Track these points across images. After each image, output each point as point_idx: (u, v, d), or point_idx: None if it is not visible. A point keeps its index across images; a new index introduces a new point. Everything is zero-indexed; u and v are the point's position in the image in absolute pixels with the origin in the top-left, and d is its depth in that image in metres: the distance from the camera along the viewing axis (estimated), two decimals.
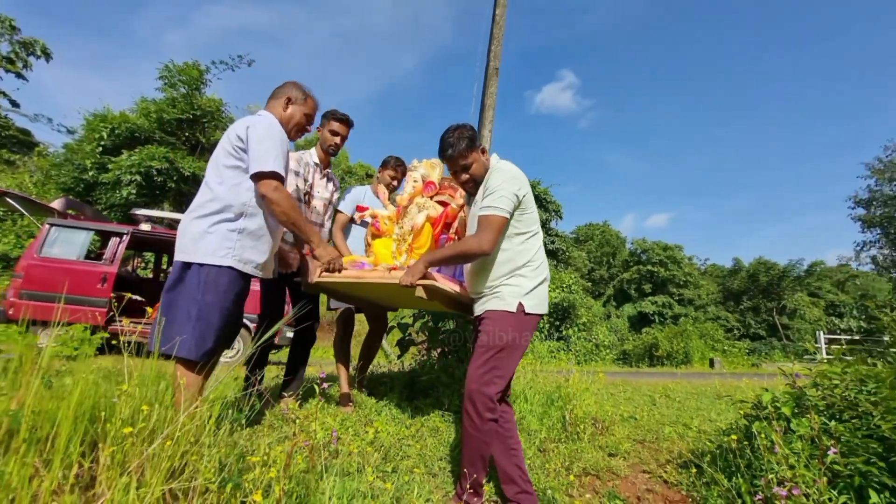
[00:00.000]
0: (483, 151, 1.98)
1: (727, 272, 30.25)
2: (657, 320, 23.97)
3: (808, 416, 1.74)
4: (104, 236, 5.95)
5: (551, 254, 22.59)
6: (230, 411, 1.49)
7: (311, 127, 2.20)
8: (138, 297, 5.82)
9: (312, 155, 2.68)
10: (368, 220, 2.66)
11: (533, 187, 16.91)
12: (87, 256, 5.56)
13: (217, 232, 1.77)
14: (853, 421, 1.68)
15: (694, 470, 2.18)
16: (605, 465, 2.49)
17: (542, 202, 21.66)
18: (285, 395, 2.57)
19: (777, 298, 24.86)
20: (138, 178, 9.47)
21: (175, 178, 9.97)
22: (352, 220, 2.97)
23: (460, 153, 1.89)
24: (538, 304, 1.86)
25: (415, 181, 2.45)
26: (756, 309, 25.63)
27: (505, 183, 1.81)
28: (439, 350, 3.27)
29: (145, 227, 5.81)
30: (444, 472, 2.13)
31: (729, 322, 25.27)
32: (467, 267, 2.04)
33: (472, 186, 1.98)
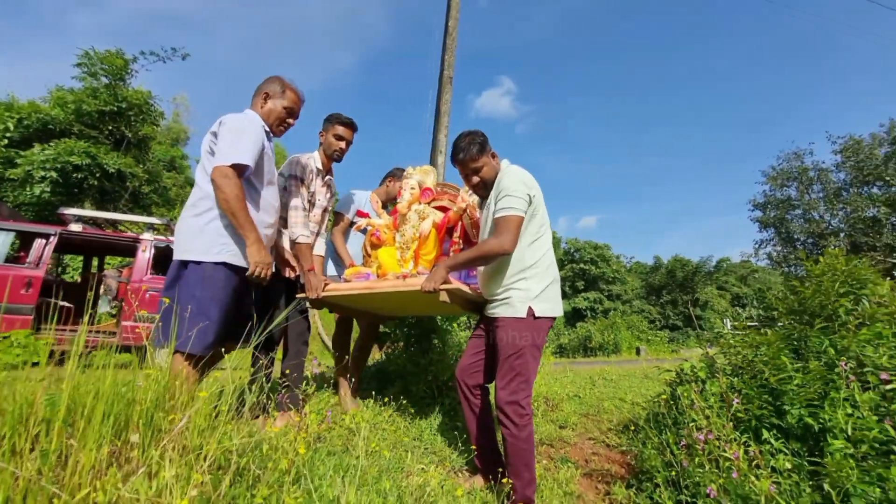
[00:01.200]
0: (494, 156, 2.05)
1: (649, 269, 32.94)
2: (589, 315, 25.66)
3: (718, 377, 2.16)
4: (25, 237, 5.43)
5: None
6: (237, 397, 1.59)
7: (294, 120, 2.14)
8: (66, 304, 5.38)
9: (316, 160, 2.54)
10: (367, 228, 2.63)
11: None
12: (6, 260, 5.06)
13: (210, 229, 1.80)
14: (750, 378, 2.12)
15: (632, 428, 2.56)
16: (557, 435, 2.83)
17: None
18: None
19: (691, 292, 27.55)
20: (53, 174, 8.57)
21: (97, 175, 9.12)
22: (351, 224, 2.89)
23: (471, 157, 1.96)
24: (549, 307, 1.89)
25: (412, 188, 2.47)
26: (674, 302, 28.21)
27: (517, 184, 1.86)
28: (403, 343, 3.46)
29: (75, 227, 5.38)
30: (418, 450, 2.33)
31: (651, 314, 27.60)
32: (480, 270, 2.10)
33: (483, 190, 2.04)
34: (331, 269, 2.86)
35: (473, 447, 2.08)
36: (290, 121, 2.11)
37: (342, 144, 2.53)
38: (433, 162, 4.23)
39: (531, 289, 1.85)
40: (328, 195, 2.65)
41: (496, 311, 1.93)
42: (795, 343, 2.12)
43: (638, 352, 17.91)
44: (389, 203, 3.03)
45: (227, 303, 1.82)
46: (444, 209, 2.49)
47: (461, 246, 2.45)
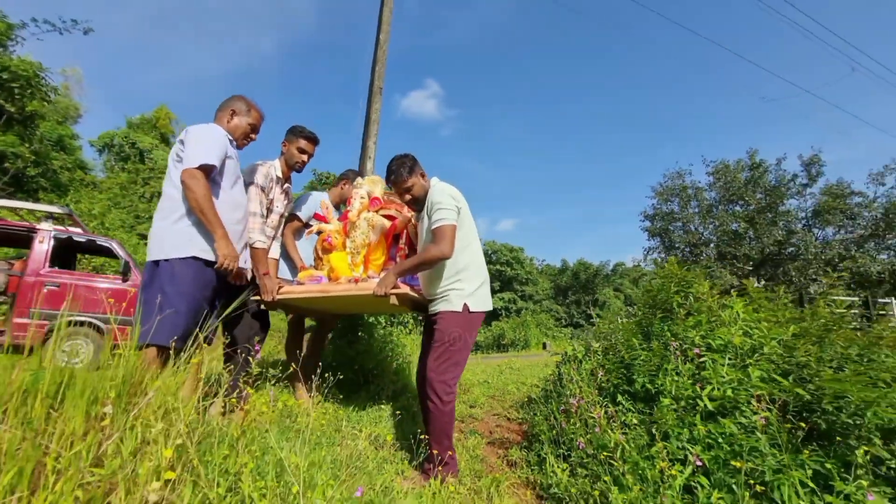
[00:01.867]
0: (423, 175, 2.29)
1: (557, 271, 35.70)
2: (504, 314, 27.22)
3: (591, 357, 2.75)
4: None
5: None
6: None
7: (256, 135, 2.33)
8: None
9: (276, 168, 2.62)
10: (317, 233, 2.77)
11: None
12: None
13: (177, 229, 1.94)
14: (612, 355, 2.73)
15: (528, 404, 3.09)
16: (467, 413, 3.28)
17: None
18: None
19: (592, 293, 30.40)
20: None
21: None
22: (305, 225, 2.94)
23: (402, 179, 2.23)
24: (481, 303, 2.19)
25: (361, 198, 2.64)
26: (578, 302, 30.96)
27: (446, 198, 2.14)
28: (331, 336, 3.68)
29: None
30: (348, 427, 2.62)
31: (558, 313, 30.02)
32: (422, 274, 2.34)
33: (415, 205, 2.32)
34: (283, 270, 2.86)
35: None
36: (253, 136, 2.30)
37: (304, 157, 2.64)
38: (362, 167, 4.49)
39: (465, 288, 2.14)
40: (285, 202, 2.75)
41: (436, 307, 2.19)
42: (645, 329, 2.78)
43: (544, 346, 19.49)
44: (342, 204, 3.12)
45: (197, 295, 1.94)
46: (391, 217, 2.68)
47: (406, 252, 2.64)
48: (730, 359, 2.34)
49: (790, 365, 2.19)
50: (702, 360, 2.41)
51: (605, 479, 2.07)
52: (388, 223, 2.63)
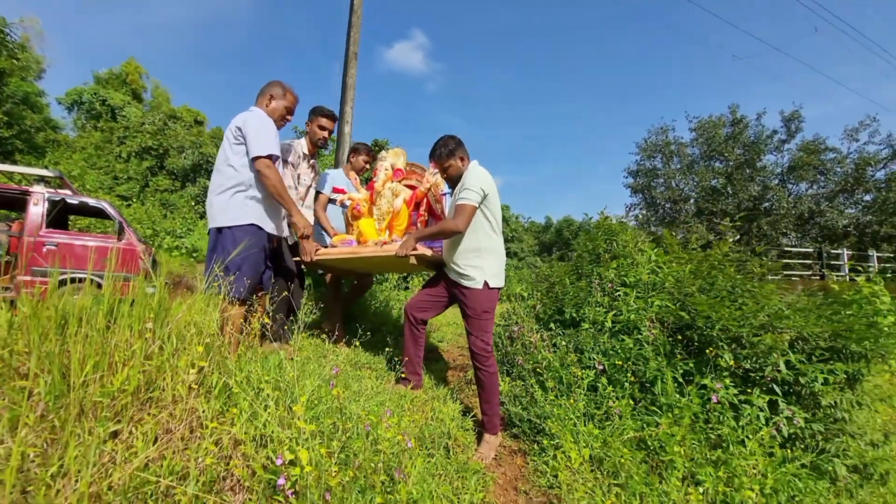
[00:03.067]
0: (462, 159, 2.50)
1: (541, 228, 36.45)
2: None
3: (534, 294, 3.31)
4: None
5: None
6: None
7: (292, 116, 2.60)
8: None
9: (303, 146, 2.99)
10: (347, 202, 3.08)
11: (382, 147, 17.76)
12: None
13: (236, 200, 2.28)
14: (550, 292, 3.30)
15: None
16: (436, 345, 3.88)
17: None
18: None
19: (573, 248, 31.31)
20: None
21: None
22: (331, 201, 3.33)
23: (441, 158, 2.49)
24: (498, 281, 2.44)
25: (385, 169, 2.95)
26: (562, 258, 31.92)
27: (475, 181, 2.33)
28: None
29: None
30: (357, 366, 3.17)
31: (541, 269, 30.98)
32: (445, 243, 2.63)
33: (450, 182, 2.58)
34: (318, 237, 3.29)
35: (405, 359, 2.68)
36: (289, 118, 2.58)
37: (325, 134, 2.97)
38: (340, 133, 4.82)
39: (485, 267, 2.39)
40: (312, 175, 3.13)
41: (461, 280, 2.45)
42: (578, 271, 3.35)
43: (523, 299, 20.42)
44: (356, 174, 3.49)
45: (256, 256, 2.30)
46: (412, 187, 3.02)
47: (427, 217, 2.99)
48: (638, 292, 2.92)
49: (680, 295, 2.77)
50: (616, 293, 2.99)
51: (533, 382, 2.68)
52: (409, 192, 2.92)
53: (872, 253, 15.75)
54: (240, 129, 2.30)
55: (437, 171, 2.67)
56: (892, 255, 16.37)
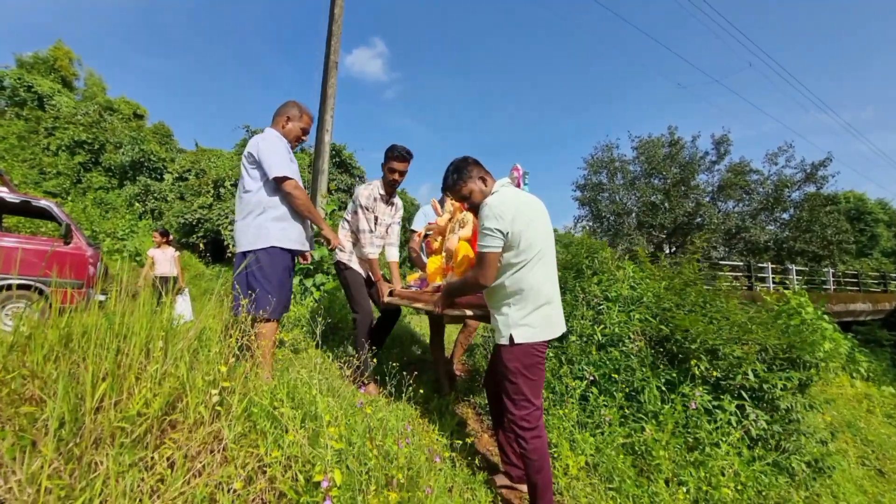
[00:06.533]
0: (483, 180, 2.04)
1: None
2: None
3: None
4: None
5: None
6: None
7: (307, 137, 2.64)
8: None
9: (379, 188, 3.02)
10: (429, 234, 2.98)
11: (338, 152, 17.47)
12: None
13: (257, 224, 2.32)
14: None
15: (470, 346, 3.76)
16: (423, 358, 3.89)
17: (347, 167, 22.40)
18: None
19: None
20: None
21: None
22: (425, 236, 3.24)
23: (455, 187, 2.06)
24: (532, 332, 1.88)
25: (452, 200, 2.52)
26: None
27: (487, 220, 1.85)
28: None
29: None
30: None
31: None
32: None
33: (476, 213, 2.05)
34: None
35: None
36: (304, 138, 2.63)
37: (395, 176, 2.97)
38: (320, 140, 4.74)
39: (511, 315, 1.90)
40: (393, 212, 3.19)
41: (493, 332, 2.12)
42: (562, 285, 3.52)
43: None
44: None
45: (281, 277, 2.35)
46: None
47: None
48: (620, 306, 3.12)
49: (659, 309, 3.01)
50: (600, 307, 3.18)
51: None
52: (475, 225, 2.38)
53: (792, 266, 17.66)
54: (252, 154, 2.35)
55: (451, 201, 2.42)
56: (805, 269, 18.40)
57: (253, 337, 1.95)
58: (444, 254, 2.52)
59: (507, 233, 1.84)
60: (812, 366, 2.67)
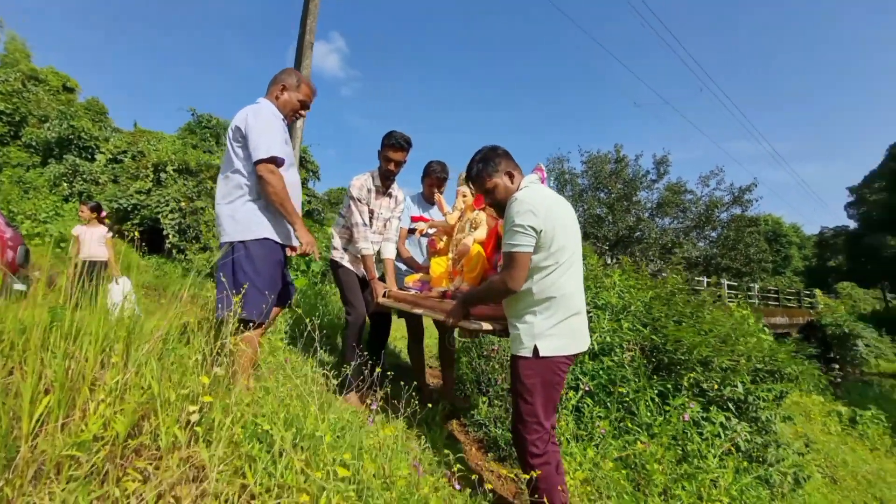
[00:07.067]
0: (510, 175, 1.84)
1: None
2: None
3: None
4: None
5: (308, 214, 22.84)
6: None
7: (307, 111, 2.31)
8: None
9: (374, 179, 2.74)
10: (430, 231, 2.70)
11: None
12: None
13: (247, 210, 2.01)
14: None
15: None
16: (399, 364, 3.66)
17: (302, 162, 21.57)
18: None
19: None
20: None
21: None
22: (412, 231, 2.96)
23: (480, 178, 1.85)
24: (559, 344, 1.70)
25: (464, 196, 2.34)
26: None
27: (523, 215, 1.65)
28: None
29: None
30: None
31: None
32: None
33: (498, 211, 1.90)
34: (404, 266, 3.04)
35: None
36: (303, 112, 2.28)
37: (391, 166, 2.70)
38: (292, 126, 4.39)
39: (536, 324, 1.70)
40: (392, 205, 2.87)
41: (511, 343, 1.81)
42: None
43: None
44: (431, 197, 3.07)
45: (273, 272, 2.05)
46: (496, 218, 2.19)
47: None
48: (608, 315, 3.08)
49: (648, 319, 3.00)
50: (589, 315, 3.12)
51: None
52: (488, 226, 2.19)
53: (724, 281, 19.09)
54: (240, 129, 2.01)
55: (465, 192, 2.24)
56: (736, 284, 19.97)
57: (235, 341, 1.64)
58: (450, 255, 2.30)
59: (541, 231, 1.65)
60: (792, 378, 2.75)
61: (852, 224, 34.16)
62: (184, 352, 1.52)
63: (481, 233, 2.16)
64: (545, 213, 1.67)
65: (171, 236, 10.88)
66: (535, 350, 1.69)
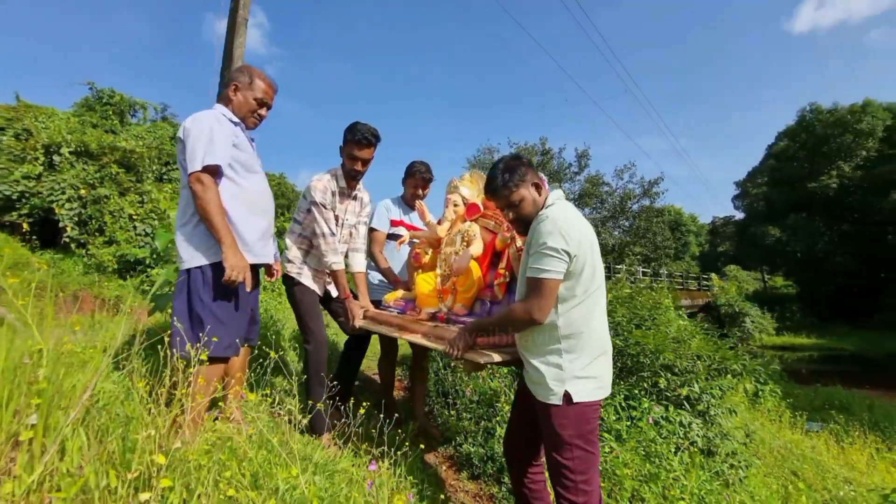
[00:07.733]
0: (537, 187, 1.64)
1: None
2: None
3: None
4: None
5: None
6: None
7: (267, 111, 2.01)
8: None
9: (339, 179, 2.38)
10: (414, 240, 2.42)
11: None
12: None
13: (197, 234, 1.77)
14: None
15: (407, 364, 3.41)
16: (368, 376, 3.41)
17: None
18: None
19: None
20: None
21: None
22: (391, 238, 2.65)
23: (505, 191, 1.62)
24: (592, 387, 1.52)
25: (455, 205, 2.14)
26: None
27: (555, 237, 1.47)
28: None
29: None
30: None
31: None
32: None
33: (521, 227, 1.69)
34: (375, 280, 2.73)
35: None
36: (263, 112, 2.00)
37: (357, 165, 2.34)
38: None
39: (565, 366, 1.51)
40: (357, 209, 2.53)
41: (532, 387, 1.59)
42: None
43: None
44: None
45: (233, 300, 1.80)
46: (493, 232, 2.03)
47: (507, 279, 1.93)
48: None
49: (611, 323, 3.06)
50: None
51: (484, 414, 2.57)
52: (483, 240, 2.00)
53: (638, 268, 20.82)
54: (181, 139, 1.76)
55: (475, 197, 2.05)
56: (648, 270, 21.91)
57: (186, 387, 1.33)
58: (438, 271, 2.09)
59: (574, 256, 1.47)
60: (738, 373, 2.95)
61: (739, 214, 38.85)
62: (126, 411, 1.19)
63: (477, 248, 1.95)
64: (579, 237, 1.50)
65: (69, 228, 9.35)
66: (567, 396, 1.49)
